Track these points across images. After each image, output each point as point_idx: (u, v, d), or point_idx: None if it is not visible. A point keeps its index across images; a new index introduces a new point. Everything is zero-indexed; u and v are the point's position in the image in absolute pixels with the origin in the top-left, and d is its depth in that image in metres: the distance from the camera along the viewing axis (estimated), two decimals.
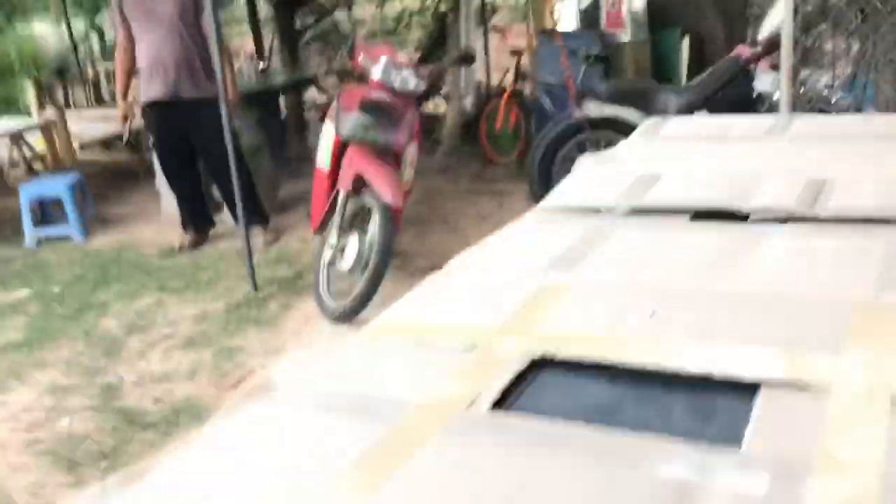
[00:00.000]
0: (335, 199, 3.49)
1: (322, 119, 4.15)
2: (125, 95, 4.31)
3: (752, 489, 0.68)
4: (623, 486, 0.71)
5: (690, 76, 5.11)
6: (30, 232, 4.70)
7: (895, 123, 1.97)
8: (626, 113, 3.84)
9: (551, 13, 6.30)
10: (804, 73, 3.46)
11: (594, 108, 3.88)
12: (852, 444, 0.72)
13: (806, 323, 0.98)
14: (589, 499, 0.70)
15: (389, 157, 3.40)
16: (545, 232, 1.47)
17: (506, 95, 5.84)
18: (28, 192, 4.72)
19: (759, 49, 3.83)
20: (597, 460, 0.75)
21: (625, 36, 5.66)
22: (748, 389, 0.85)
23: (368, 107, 3.31)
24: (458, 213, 4.63)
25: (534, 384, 0.94)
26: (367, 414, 0.87)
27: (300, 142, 6.26)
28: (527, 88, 6.17)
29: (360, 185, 3.35)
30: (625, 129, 3.76)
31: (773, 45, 3.77)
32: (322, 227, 3.65)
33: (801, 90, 3.36)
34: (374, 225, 3.22)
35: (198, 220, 4.47)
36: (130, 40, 4.14)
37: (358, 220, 3.42)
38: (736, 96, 3.82)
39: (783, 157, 1.71)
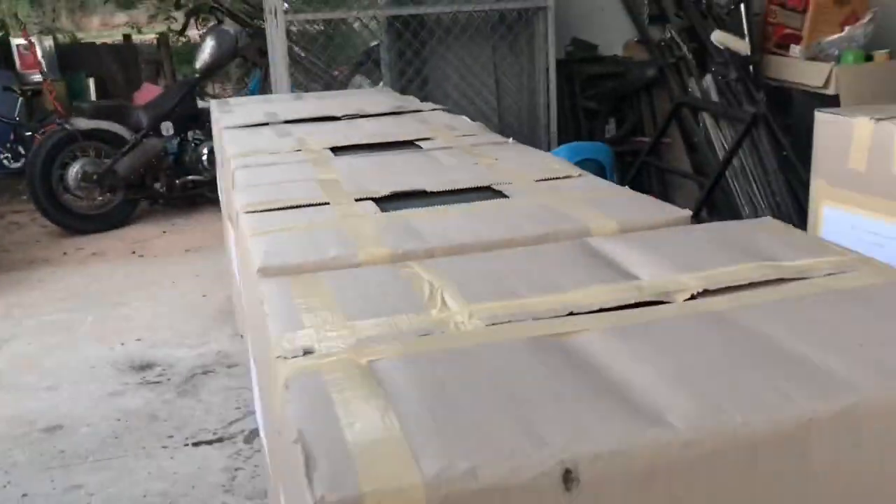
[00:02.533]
0: None
1: None
2: None
3: None
4: None
5: None
6: None
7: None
8: (109, 125, 4.75)
9: None
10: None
11: (83, 122, 4.67)
12: None
13: None
14: None
15: None
16: (254, 134, 2.56)
17: None
18: None
19: (197, 76, 5.15)
20: None
21: (41, 76, 6.34)
22: None
23: None
24: None
25: None
26: None
27: None
28: None
29: None
30: (111, 137, 4.74)
31: (208, 70, 5.18)
32: None
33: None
34: None
35: None
36: None
37: None
38: (186, 110, 5.06)
39: (316, 102, 3.11)
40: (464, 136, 2.24)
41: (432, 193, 1.64)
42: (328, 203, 1.59)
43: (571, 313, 0.98)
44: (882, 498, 0.79)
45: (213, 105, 3.28)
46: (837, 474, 0.76)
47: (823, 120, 1.93)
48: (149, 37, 8.94)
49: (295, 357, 0.91)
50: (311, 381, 0.84)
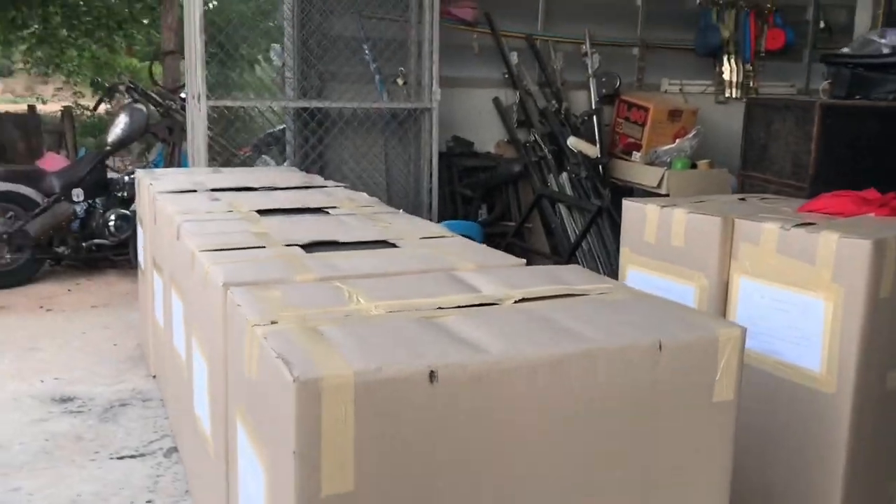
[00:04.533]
0: None
1: None
2: None
3: None
4: None
5: None
6: None
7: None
8: (22, 188, 5.09)
9: None
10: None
11: None
12: None
13: None
14: None
15: None
16: (187, 198, 3.07)
17: None
18: None
19: (109, 147, 5.57)
20: None
21: None
22: None
23: None
24: None
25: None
26: None
27: None
28: None
29: None
30: (22, 200, 5.08)
31: (120, 144, 5.61)
32: None
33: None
34: None
35: None
36: None
37: None
38: (96, 179, 5.44)
39: (233, 175, 3.64)
40: (363, 206, 2.84)
41: (343, 243, 2.21)
42: (264, 247, 2.14)
43: (439, 308, 1.57)
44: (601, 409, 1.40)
45: (141, 173, 3.76)
46: (583, 390, 1.37)
47: (628, 206, 2.65)
48: (52, 107, 9.21)
49: (265, 325, 1.45)
50: (280, 335, 1.39)
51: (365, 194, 3.15)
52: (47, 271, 5.40)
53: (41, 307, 4.70)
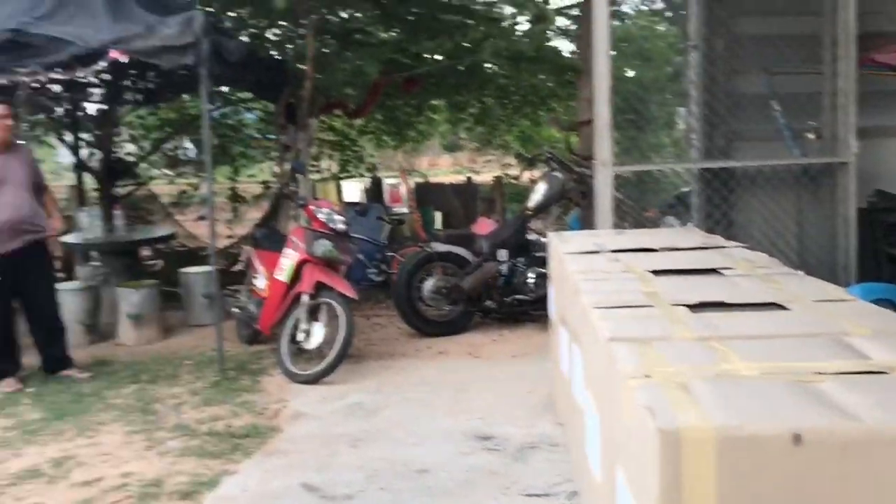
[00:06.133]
0: (292, 301, 4.94)
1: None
2: None
3: None
4: None
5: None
6: None
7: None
8: (459, 250, 5.88)
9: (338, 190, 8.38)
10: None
11: (439, 246, 5.85)
12: None
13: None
14: None
15: (338, 270, 5.00)
16: (588, 259, 3.33)
17: None
18: None
19: (530, 212, 6.16)
20: None
21: (402, 209, 7.86)
22: None
23: (331, 237, 4.93)
24: None
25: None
26: None
27: None
28: None
29: (318, 289, 4.87)
30: (458, 260, 5.83)
31: (539, 209, 6.16)
32: (274, 325, 5.04)
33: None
34: (339, 314, 4.75)
35: (11, 365, 4.89)
36: None
37: (313, 315, 4.90)
38: (518, 240, 6.05)
39: (635, 237, 3.82)
40: (759, 267, 2.81)
41: (730, 304, 2.25)
42: (652, 306, 2.27)
43: (818, 373, 1.55)
44: None
45: (552, 236, 4.14)
46: None
47: None
48: (484, 178, 10.46)
49: (639, 378, 1.59)
50: (650, 388, 1.51)
51: (763, 255, 3.10)
52: (476, 322, 6.10)
53: (470, 354, 5.35)
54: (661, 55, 9.46)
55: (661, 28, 10.33)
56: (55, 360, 4.98)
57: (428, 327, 5.84)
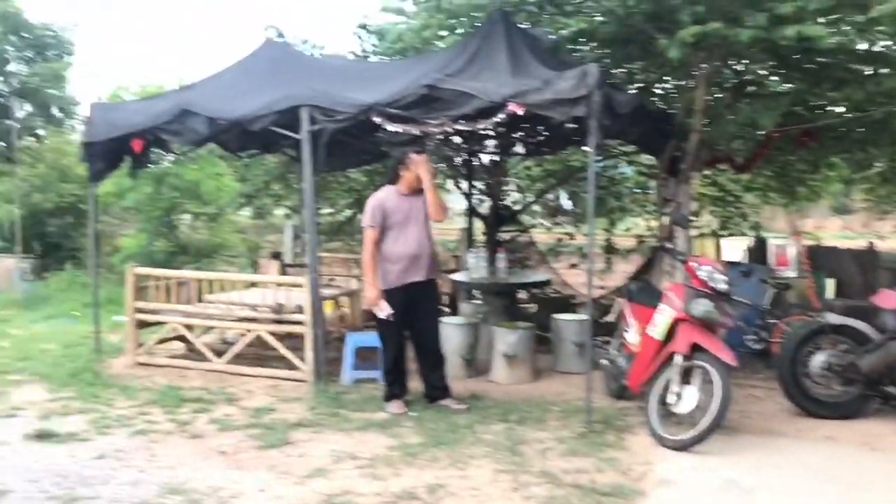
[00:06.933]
0: (664, 360, 4.73)
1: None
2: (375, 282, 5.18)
3: None
4: None
5: None
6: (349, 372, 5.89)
7: None
8: (858, 323, 5.18)
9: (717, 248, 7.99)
10: None
11: (833, 318, 5.22)
12: None
13: None
14: None
15: (715, 332, 4.70)
16: None
17: None
18: (352, 341, 5.95)
19: None
20: None
21: (790, 272, 7.20)
22: None
23: (711, 297, 4.66)
24: None
25: None
26: None
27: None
28: None
29: (693, 350, 4.60)
30: (856, 335, 5.12)
31: None
32: (643, 383, 4.87)
33: None
34: (715, 379, 4.44)
35: (400, 388, 5.35)
36: (380, 238, 5.17)
37: (685, 377, 4.64)
38: None
39: None
40: None
41: None
42: None
43: None
44: None
45: None
46: None
47: None
48: (891, 244, 9.20)
49: None
50: None
51: None
52: (875, 409, 5.30)
53: (866, 444, 4.65)
54: None
55: None
56: (436, 389, 5.34)
57: (814, 407, 5.21)
